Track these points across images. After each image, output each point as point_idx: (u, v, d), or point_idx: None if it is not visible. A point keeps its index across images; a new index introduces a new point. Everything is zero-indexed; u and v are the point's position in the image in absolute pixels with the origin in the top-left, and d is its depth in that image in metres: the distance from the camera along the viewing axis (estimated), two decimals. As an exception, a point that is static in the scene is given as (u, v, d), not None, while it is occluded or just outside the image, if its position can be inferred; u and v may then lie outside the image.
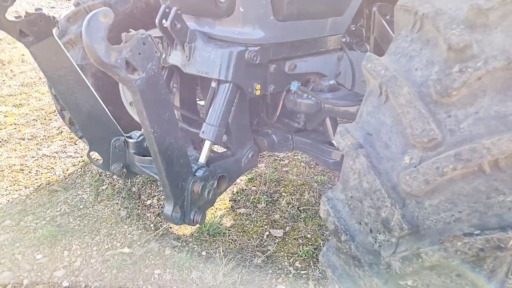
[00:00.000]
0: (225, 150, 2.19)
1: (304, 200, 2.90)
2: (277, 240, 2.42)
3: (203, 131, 1.85)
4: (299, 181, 3.19)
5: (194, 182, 1.74)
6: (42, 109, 4.63)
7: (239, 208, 2.76)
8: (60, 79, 1.95)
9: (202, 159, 1.88)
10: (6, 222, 2.51)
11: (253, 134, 2.41)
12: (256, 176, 3.22)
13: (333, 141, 2.08)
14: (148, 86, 1.23)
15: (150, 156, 2.27)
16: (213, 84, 1.86)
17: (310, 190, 3.06)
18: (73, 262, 2.18)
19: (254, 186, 3.09)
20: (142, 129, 1.39)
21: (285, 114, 2.22)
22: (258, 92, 1.91)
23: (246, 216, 2.67)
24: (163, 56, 2.03)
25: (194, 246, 2.34)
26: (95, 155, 2.18)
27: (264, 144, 2.23)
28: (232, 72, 1.77)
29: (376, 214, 1.08)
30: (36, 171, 3.27)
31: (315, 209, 2.77)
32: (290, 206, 2.82)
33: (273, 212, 2.74)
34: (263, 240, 2.42)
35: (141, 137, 2.20)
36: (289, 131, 2.23)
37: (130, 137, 2.25)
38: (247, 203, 2.82)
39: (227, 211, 2.73)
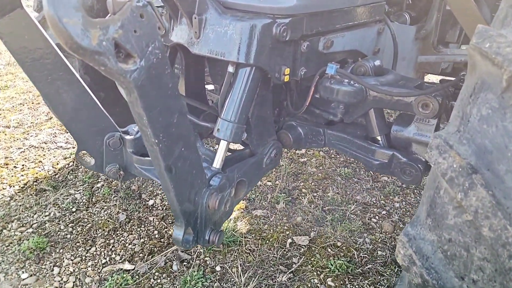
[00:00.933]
0: (242, 148, 1.82)
1: (329, 198, 2.56)
2: (302, 249, 2.10)
3: (218, 129, 1.48)
4: (320, 175, 2.85)
5: (210, 195, 1.38)
6: (30, 92, 4.22)
7: (254, 209, 2.43)
8: (35, 63, 1.56)
9: (217, 163, 1.52)
10: (-13, 231, 2.18)
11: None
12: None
13: (378, 137, 1.70)
14: (150, 80, 0.85)
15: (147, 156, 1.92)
16: (230, 69, 1.47)
17: (333, 185, 2.71)
18: (65, 283, 1.86)
19: (270, 182, 2.74)
20: (143, 138, 1.02)
21: (316, 103, 1.84)
22: (287, 78, 1.52)
23: (264, 219, 2.34)
24: (164, 32, 1.62)
25: (206, 259, 2.02)
26: (86, 155, 1.82)
27: (289, 140, 1.86)
28: (256, 52, 1.37)
29: (495, 270, 0.73)
30: (23, 165, 2.92)
31: (342, 210, 2.44)
32: (313, 206, 2.48)
33: (294, 213, 2.41)
34: (286, 250, 2.10)
35: (140, 133, 1.83)
36: (319, 124, 1.85)
37: (127, 133, 1.88)
38: (264, 203, 2.48)
39: (242, 213, 2.39)
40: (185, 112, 1.08)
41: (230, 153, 1.83)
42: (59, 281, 1.86)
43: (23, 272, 1.91)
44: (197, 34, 1.44)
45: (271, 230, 2.25)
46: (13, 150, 3.12)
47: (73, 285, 1.85)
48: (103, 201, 2.50)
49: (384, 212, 2.44)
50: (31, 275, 1.89)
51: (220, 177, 1.48)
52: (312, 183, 2.74)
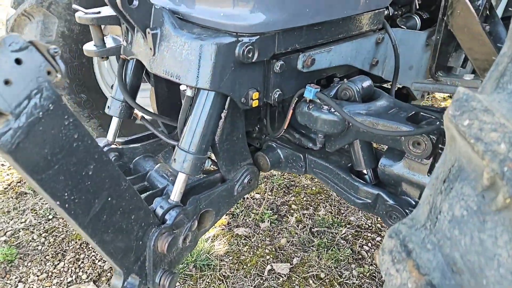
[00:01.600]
0: (212, 171, 1.65)
1: (319, 218, 2.37)
2: (281, 279, 1.94)
3: (174, 159, 1.31)
4: (313, 188, 2.65)
5: (159, 235, 1.23)
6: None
7: (237, 227, 2.28)
8: None
9: (175, 196, 1.35)
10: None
11: (251, 147, 1.86)
12: (262, 178, 2.69)
13: (364, 170, 1.49)
14: (34, 139, 0.68)
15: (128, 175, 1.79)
16: (189, 92, 1.28)
17: (327, 202, 2.52)
18: (23, 304, 1.79)
19: (258, 194, 2.57)
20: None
21: (295, 127, 1.64)
22: (255, 103, 1.32)
23: (245, 239, 2.18)
24: (125, 44, 1.44)
25: (176, 284, 1.89)
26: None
27: (267, 163, 1.67)
28: (215, 76, 1.18)
29: None
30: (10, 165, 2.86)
31: (332, 233, 2.25)
32: (300, 226, 2.30)
33: (279, 234, 2.24)
34: (264, 279, 1.95)
35: (105, 148, 1.69)
36: (300, 148, 1.65)
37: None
38: (248, 220, 2.33)
39: (222, 230, 2.25)
40: (106, 160, 0.91)
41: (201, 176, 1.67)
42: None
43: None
44: (151, 51, 1.26)
45: (251, 253, 2.10)
46: None
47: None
48: (81, 209, 2.41)
49: (378, 238, 2.23)
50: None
51: (177, 212, 1.32)
52: (304, 198, 2.55)
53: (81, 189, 0.85)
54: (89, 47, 1.49)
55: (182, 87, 1.29)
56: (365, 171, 1.49)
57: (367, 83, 1.44)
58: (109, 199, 0.96)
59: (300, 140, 1.60)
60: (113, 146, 1.70)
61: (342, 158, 1.58)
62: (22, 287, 1.87)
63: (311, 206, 2.49)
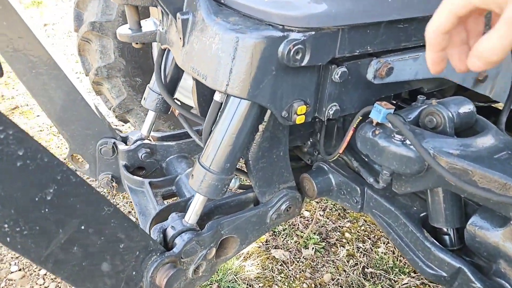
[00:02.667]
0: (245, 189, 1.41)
1: (376, 256, 1.99)
2: (315, 326, 1.64)
3: (192, 175, 1.09)
4: (376, 216, 2.25)
5: (158, 267, 1.03)
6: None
7: (276, 248, 2.01)
8: (17, 54, 1.37)
9: (190, 217, 1.14)
10: None
11: (301, 163, 1.57)
12: (316, 195, 2.37)
13: (443, 228, 1.11)
14: None
15: (146, 170, 1.65)
16: (217, 97, 1.04)
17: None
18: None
19: (308, 211, 2.27)
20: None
21: (356, 151, 1.30)
22: (300, 119, 1.03)
23: (281, 265, 1.92)
24: (161, 30, 1.25)
25: (195, 303, 1.72)
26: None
27: (313, 189, 1.37)
28: (251, 82, 0.92)
29: None
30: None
31: (389, 280, 1.86)
32: (351, 262, 1.95)
33: (323, 266, 1.92)
34: (294, 320, 1.67)
35: (137, 143, 1.56)
36: (359, 178, 1.31)
37: (125, 140, 1.63)
38: (290, 242, 2.05)
39: (258, 249, 2.01)
40: (76, 181, 0.71)
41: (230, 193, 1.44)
42: (41, 284, 1.79)
43: (15, 264, 1.88)
44: (181, 41, 1.04)
45: (285, 284, 1.83)
46: None
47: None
48: (121, 196, 2.37)
49: (449, 299, 1.78)
50: (20, 269, 1.86)
51: (188, 238, 1.11)
52: (362, 228, 2.18)
53: (33, 219, 0.67)
54: (122, 30, 1.34)
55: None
56: (445, 229, 1.10)
57: (467, 107, 1.04)
58: (83, 227, 0.78)
59: (359, 169, 1.26)
60: (146, 141, 1.57)
61: (415, 202, 1.20)
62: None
63: (369, 239, 2.11)
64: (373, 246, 2.06)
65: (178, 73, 1.46)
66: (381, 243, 2.08)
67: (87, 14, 2.15)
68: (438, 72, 0.72)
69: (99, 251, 0.85)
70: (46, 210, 0.68)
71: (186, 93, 2.50)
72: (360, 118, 1.10)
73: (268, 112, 1.08)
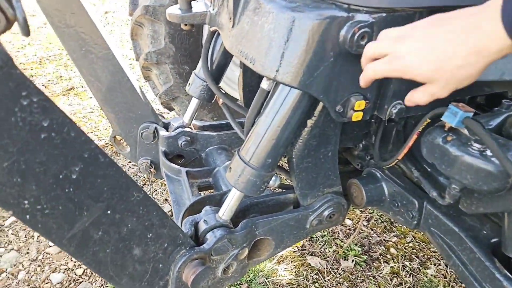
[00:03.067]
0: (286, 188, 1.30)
1: (425, 279, 1.79)
2: None
3: (230, 168, 1.00)
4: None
5: (186, 262, 0.96)
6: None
7: (312, 255, 1.89)
8: (69, 30, 1.37)
9: (224, 212, 1.06)
10: None
11: (349, 167, 1.43)
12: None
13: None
14: None
15: (185, 159, 1.60)
16: (264, 85, 0.95)
17: (441, 259, 1.89)
18: None
19: (350, 220, 2.11)
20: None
21: (417, 158, 1.14)
22: (356, 116, 0.90)
23: (317, 274, 1.79)
24: (211, 11, 1.18)
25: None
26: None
27: (361, 197, 1.23)
28: (304, 69, 0.81)
29: None
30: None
31: (437, 307, 1.66)
32: (395, 281, 1.77)
33: (362, 282, 1.77)
34: (326, 337, 1.53)
35: (178, 130, 1.52)
36: (417, 191, 1.15)
37: (167, 126, 1.59)
38: (328, 251, 1.91)
39: (293, 253, 1.89)
40: (105, 161, 0.65)
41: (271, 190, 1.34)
42: (75, 261, 1.81)
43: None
44: (231, 21, 0.95)
45: (320, 296, 1.70)
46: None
47: (83, 271, 1.76)
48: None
49: None
50: (56, 244, 1.90)
51: (220, 235, 1.03)
52: (410, 244, 1.98)
53: (56, 197, 0.61)
54: (172, 10, 1.28)
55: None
56: (520, 260, 0.92)
57: None
58: (109, 212, 0.72)
59: (420, 181, 1.09)
60: (187, 129, 1.52)
61: (485, 225, 1.02)
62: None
63: (417, 257, 1.91)
64: (421, 266, 1.86)
65: (225, 59, 1.38)
66: (430, 264, 1.87)
67: (142, -3, 2.14)
68: None
69: (125, 239, 0.79)
70: (71, 189, 0.62)
71: (232, 84, 2.44)
72: (429, 120, 0.94)
73: (320, 105, 0.96)
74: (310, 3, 0.79)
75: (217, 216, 1.07)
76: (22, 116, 0.50)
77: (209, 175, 1.44)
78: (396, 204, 1.18)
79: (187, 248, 0.97)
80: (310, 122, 1.00)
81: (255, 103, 0.97)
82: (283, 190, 1.29)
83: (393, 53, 0.68)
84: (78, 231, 0.69)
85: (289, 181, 1.30)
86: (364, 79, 0.78)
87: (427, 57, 0.64)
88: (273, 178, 1.06)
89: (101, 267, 0.79)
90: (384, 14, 0.76)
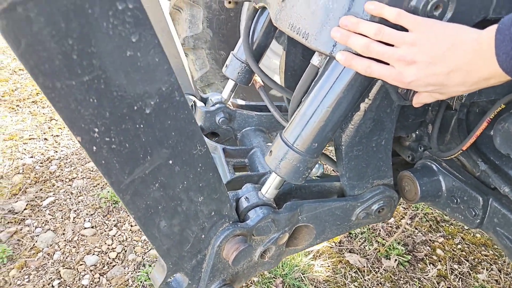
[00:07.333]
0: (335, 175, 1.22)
1: (475, 284, 1.65)
2: None
3: (271, 151, 0.94)
4: (477, 235, 1.89)
5: (228, 237, 0.92)
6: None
7: (351, 252, 1.80)
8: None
9: (267, 191, 1.00)
10: None
11: (397, 158, 1.34)
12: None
13: None
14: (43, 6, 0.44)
15: (220, 137, 1.55)
16: (315, 61, 0.87)
17: (494, 263, 1.75)
18: (112, 250, 1.82)
19: (393, 217, 2.00)
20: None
21: (484, 150, 1.03)
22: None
23: (356, 272, 1.70)
24: (256, -16, 1.12)
25: (256, 295, 1.61)
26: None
27: (415, 191, 1.14)
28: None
29: None
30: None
31: (491, 316, 1.53)
32: (443, 284, 1.65)
33: (406, 283, 1.66)
34: None
35: (217, 105, 1.47)
36: (481, 186, 1.04)
37: (205, 101, 1.55)
38: (367, 248, 1.81)
39: (330, 249, 1.82)
40: (180, 101, 0.61)
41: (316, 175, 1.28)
42: (109, 244, 1.84)
43: (88, 220, 1.97)
44: (282, -6, 0.88)
45: (358, 295, 1.61)
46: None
47: (116, 255, 1.79)
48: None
49: None
50: (92, 227, 1.94)
51: (264, 214, 0.97)
52: (458, 246, 1.84)
53: (125, 132, 0.58)
54: (216, -15, 1.23)
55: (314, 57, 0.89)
56: None
57: None
58: (170, 162, 0.68)
59: (486, 175, 0.99)
60: (227, 105, 1.46)
61: None
62: (115, 231, 1.92)
63: (466, 260, 1.77)
64: (471, 270, 1.73)
65: (266, 40, 1.32)
66: (482, 268, 1.74)
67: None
68: None
69: (177, 198, 0.75)
70: (141, 125, 0.59)
71: (268, 72, 2.37)
72: (503, 106, 0.83)
73: (377, 86, 0.88)
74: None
75: (259, 193, 1.01)
76: (114, 23, 0.46)
77: (246, 155, 1.38)
78: (456, 200, 1.08)
79: (231, 222, 0.92)
80: (363, 105, 0.92)
81: (303, 81, 0.90)
82: (327, 178, 1.22)
83: (401, 65, 0.67)
84: (137, 178, 0.65)
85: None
86: (365, 71, 0.74)
87: (431, 81, 0.66)
88: (316, 165, 0.99)
89: (149, 224, 0.75)
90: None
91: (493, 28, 0.57)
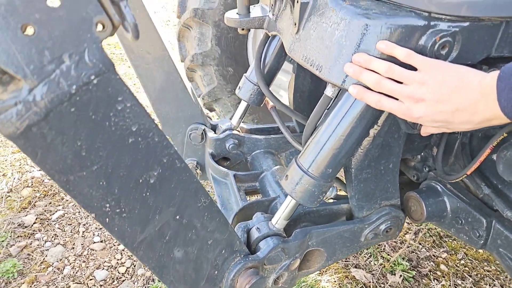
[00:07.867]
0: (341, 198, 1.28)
1: (479, 300, 1.70)
2: None
3: (286, 175, 1.00)
4: (479, 251, 1.94)
5: (241, 271, 0.97)
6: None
7: (356, 267, 1.84)
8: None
9: (277, 221, 1.06)
10: None
11: (403, 178, 1.39)
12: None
13: None
14: (55, 126, 0.48)
15: (231, 162, 1.61)
16: (329, 91, 0.93)
17: (496, 279, 1.79)
18: (121, 265, 1.86)
19: (397, 233, 2.04)
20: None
21: (487, 175, 1.08)
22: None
23: None
24: (271, 16, 1.18)
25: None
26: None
27: (420, 211, 1.19)
28: (374, 76, 0.78)
29: None
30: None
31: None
32: (446, 300, 1.70)
33: (410, 299, 1.71)
34: None
35: (226, 132, 1.54)
36: (485, 208, 1.09)
37: (215, 128, 1.62)
38: (374, 264, 1.86)
39: (335, 264, 1.86)
40: (180, 167, 0.66)
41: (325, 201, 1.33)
42: (118, 259, 1.88)
43: (98, 235, 2.01)
44: (296, 27, 0.95)
45: (364, 311, 1.65)
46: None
47: (126, 269, 1.83)
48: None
49: None
50: (101, 241, 1.98)
51: (274, 244, 1.02)
52: (461, 262, 1.89)
53: (133, 201, 0.63)
54: (230, 15, 1.30)
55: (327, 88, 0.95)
56: None
57: None
58: (177, 217, 0.73)
59: (490, 199, 1.04)
60: (235, 131, 1.53)
61: None
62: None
63: (469, 276, 1.82)
64: (474, 286, 1.77)
65: (277, 64, 1.39)
66: (485, 283, 1.78)
67: (191, 0, 2.19)
68: None
69: (187, 244, 0.81)
70: (148, 193, 0.64)
71: (276, 89, 2.44)
72: (505, 135, 0.89)
73: (385, 114, 0.94)
74: (387, 10, 0.78)
75: (270, 224, 1.07)
76: (116, 120, 0.52)
77: (256, 179, 1.44)
78: (460, 221, 1.13)
79: (242, 256, 0.98)
80: (373, 131, 0.97)
81: (317, 110, 0.96)
82: (335, 200, 1.27)
83: (410, 102, 0.73)
84: (148, 235, 0.71)
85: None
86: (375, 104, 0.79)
87: (437, 118, 0.72)
88: (330, 188, 1.04)
89: (164, 271, 0.81)
90: (467, 23, 0.73)
91: (494, 75, 0.63)
